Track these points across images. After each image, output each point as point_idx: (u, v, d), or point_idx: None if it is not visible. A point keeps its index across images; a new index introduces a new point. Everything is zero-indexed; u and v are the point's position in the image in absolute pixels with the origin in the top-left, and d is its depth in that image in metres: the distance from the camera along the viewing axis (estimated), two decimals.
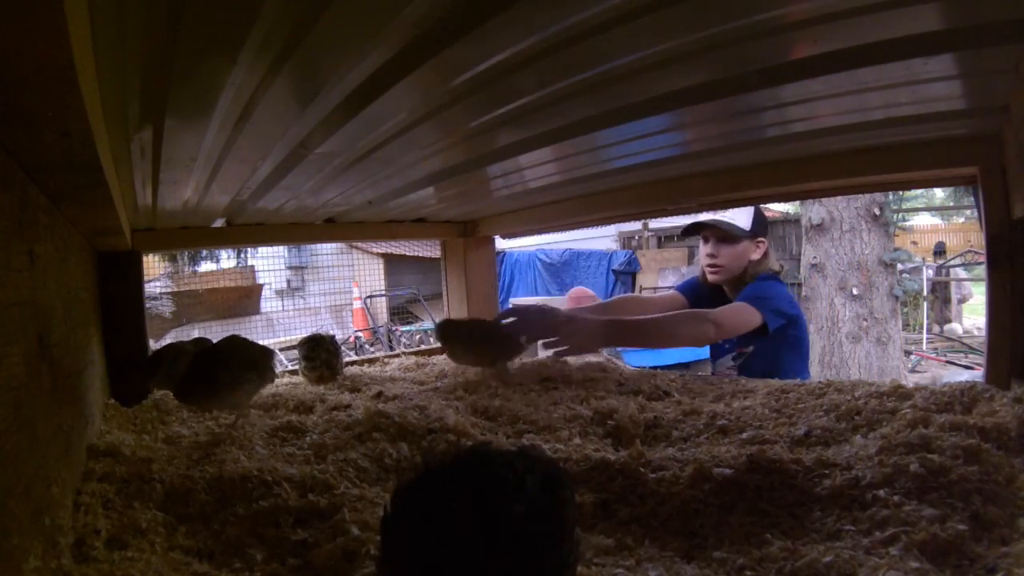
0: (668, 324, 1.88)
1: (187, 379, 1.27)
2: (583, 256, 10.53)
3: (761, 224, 2.16)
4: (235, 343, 1.45)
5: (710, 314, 1.89)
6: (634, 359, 6.50)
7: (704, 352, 7.02)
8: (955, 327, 8.05)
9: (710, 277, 2.18)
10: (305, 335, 2.12)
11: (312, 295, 10.72)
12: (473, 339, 1.92)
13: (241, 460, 1.15)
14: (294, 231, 2.32)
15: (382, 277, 10.15)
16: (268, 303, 10.70)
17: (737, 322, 1.93)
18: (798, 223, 7.67)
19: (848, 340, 5.20)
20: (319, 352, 2.00)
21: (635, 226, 10.67)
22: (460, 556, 0.53)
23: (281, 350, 6.66)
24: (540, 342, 2.04)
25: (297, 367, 2.11)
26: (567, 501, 0.60)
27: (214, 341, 1.50)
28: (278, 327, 9.34)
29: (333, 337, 2.14)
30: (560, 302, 8.06)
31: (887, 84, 1.03)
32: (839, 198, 5.09)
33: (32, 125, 0.62)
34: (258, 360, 1.44)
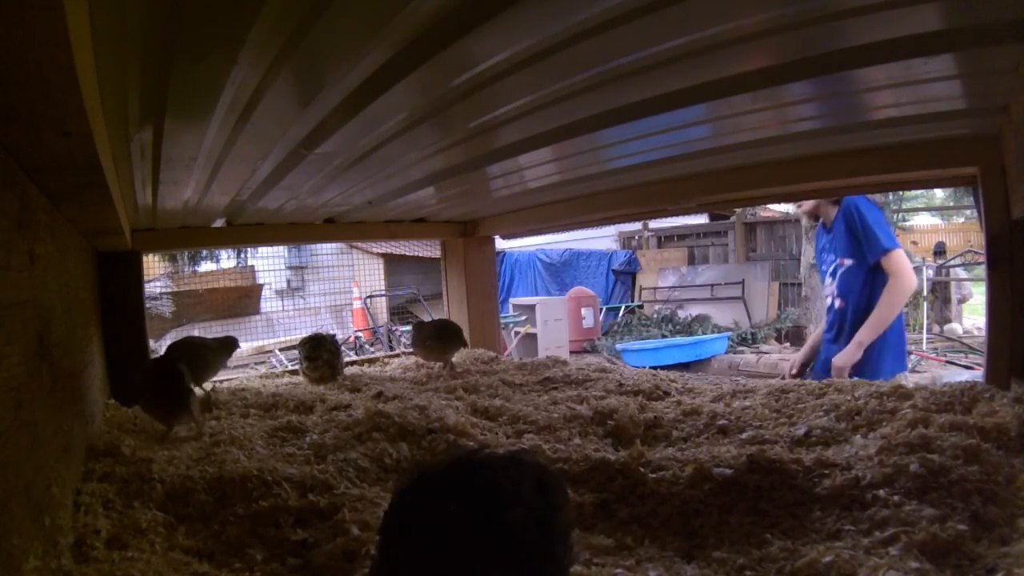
0: (892, 310, 2.09)
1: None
2: (583, 256, 10.53)
3: None
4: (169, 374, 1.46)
5: (903, 281, 2.05)
6: (634, 359, 6.50)
7: (703, 353, 7.05)
8: (955, 327, 8.02)
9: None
10: (306, 335, 2.13)
11: (312, 295, 10.71)
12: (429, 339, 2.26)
13: (241, 460, 1.15)
14: (294, 231, 2.32)
15: (382, 277, 10.13)
16: (268, 303, 10.70)
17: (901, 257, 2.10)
18: (798, 223, 7.66)
19: None
20: (321, 352, 2.01)
21: (635, 226, 10.66)
22: (459, 560, 0.53)
23: (281, 350, 6.67)
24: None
25: (298, 367, 2.12)
26: (561, 505, 0.61)
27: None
28: (278, 327, 9.32)
29: (334, 337, 2.15)
30: (560, 302, 8.08)
31: (887, 84, 1.03)
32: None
33: (32, 125, 0.62)
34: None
